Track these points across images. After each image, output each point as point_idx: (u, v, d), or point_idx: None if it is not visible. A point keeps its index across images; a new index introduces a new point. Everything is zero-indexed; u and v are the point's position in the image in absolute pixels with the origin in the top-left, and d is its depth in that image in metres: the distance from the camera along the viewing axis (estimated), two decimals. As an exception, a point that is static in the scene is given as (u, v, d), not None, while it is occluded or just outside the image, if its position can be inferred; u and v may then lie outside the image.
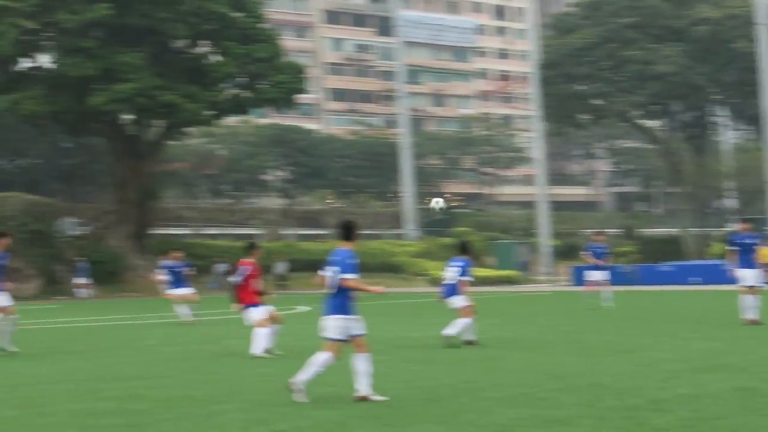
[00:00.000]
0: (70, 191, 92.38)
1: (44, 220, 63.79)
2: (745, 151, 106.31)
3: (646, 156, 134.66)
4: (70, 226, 69.24)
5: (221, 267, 67.96)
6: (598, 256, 37.15)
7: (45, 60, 68.98)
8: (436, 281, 73.99)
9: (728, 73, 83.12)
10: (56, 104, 64.20)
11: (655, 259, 78.11)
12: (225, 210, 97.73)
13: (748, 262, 27.56)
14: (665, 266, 71.65)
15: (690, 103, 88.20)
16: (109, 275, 63.31)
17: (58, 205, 69.66)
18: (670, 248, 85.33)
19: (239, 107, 71.28)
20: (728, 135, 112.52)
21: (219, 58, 68.01)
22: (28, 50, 66.35)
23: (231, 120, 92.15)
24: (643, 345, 23.08)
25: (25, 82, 66.21)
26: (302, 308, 44.64)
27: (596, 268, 37.51)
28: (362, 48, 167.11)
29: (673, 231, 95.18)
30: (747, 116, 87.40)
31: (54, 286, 62.48)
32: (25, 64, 68.46)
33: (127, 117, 69.52)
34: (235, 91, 70.16)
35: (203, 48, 69.53)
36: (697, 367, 18.34)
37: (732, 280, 28.32)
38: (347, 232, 15.95)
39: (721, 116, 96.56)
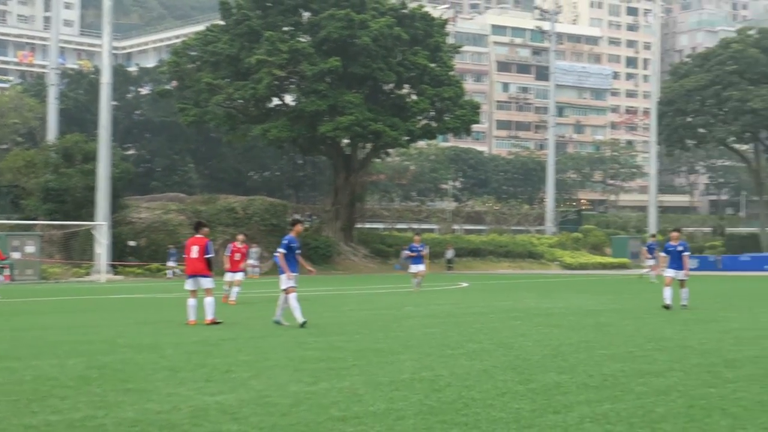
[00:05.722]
0: (300, 195, 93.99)
1: (279, 216, 64.74)
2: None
3: (737, 172, 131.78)
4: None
5: (406, 252, 68.13)
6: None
7: (289, 99, 69.99)
8: (567, 266, 73.99)
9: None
10: (294, 131, 65.12)
11: (737, 251, 76.47)
12: (412, 210, 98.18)
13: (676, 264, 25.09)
14: (745, 257, 70.41)
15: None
16: (323, 258, 64.07)
17: (290, 205, 70.62)
18: (749, 243, 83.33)
19: (429, 134, 71.26)
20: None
21: (416, 97, 68.20)
22: (277, 91, 67.45)
23: (421, 143, 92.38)
24: (723, 317, 22.53)
25: (273, 115, 67.35)
26: (464, 284, 44.52)
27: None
28: (523, 90, 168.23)
29: (753, 230, 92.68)
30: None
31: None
32: (274, 102, 69.56)
33: (345, 141, 70.12)
34: (426, 122, 70.22)
35: (405, 89, 69.82)
36: (764, 334, 17.85)
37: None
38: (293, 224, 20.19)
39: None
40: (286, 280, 19.54)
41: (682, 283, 25.12)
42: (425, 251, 39.64)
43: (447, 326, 19.85)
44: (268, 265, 58.77)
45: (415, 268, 36.30)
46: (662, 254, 25.28)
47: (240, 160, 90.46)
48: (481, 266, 70.50)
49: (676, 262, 25.01)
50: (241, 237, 29.55)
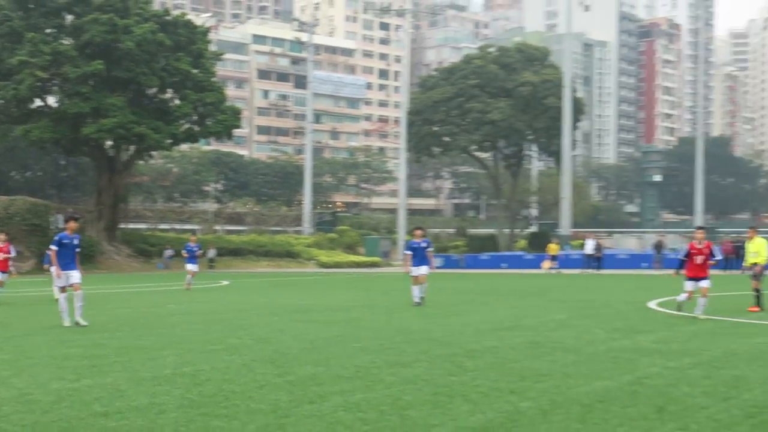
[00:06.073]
0: (63, 195, 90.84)
1: (41, 216, 62.39)
2: (547, 176, 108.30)
3: (477, 178, 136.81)
4: (60, 221, 67.75)
5: (169, 252, 67.00)
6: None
7: (52, 100, 67.37)
8: (323, 265, 74.71)
9: (540, 121, 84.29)
10: (57, 133, 63.00)
11: (477, 250, 79.04)
12: (175, 211, 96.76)
13: (422, 261, 24.87)
14: (485, 256, 72.68)
15: (511, 142, 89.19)
16: (87, 257, 62.05)
17: (53, 205, 67.90)
18: (488, 243, 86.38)
19: (191, 137, 70.25)
20: (536, 164, 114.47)
21: (179, 101, 67.21)
22: (40, 93, 64.82)
23: (184, 146, 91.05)
24: (465, 310, 23.25)
25: (35, 116, 64.77)
26: (225, 282, 44.24)
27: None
28: (283, 97, 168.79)
29: (492, 231, 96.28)
30: (550, 151, 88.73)
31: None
32: (36, 103, 66.79)
33: (109, 143, 68.15)
34: (189, 125, 69.15)
35: (168, 94, 68.57)
36: (500, 326, 18.53)
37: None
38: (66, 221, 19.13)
39: (532, 151, 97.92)
40: (57, 279, 18.92)
41: (423, 278, 25.12)
42: (212, 252, 39.18)
43: (208, 323, 19.70)
44: (30, 265, 56.49)
45: (190, 267, 35.76)
46: (407, 252, 25.67)
47: (1, 161, 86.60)
48: (242, 265, 70.19)
49: (421, 258, 24.99)
50: (2, 237, 28.26)
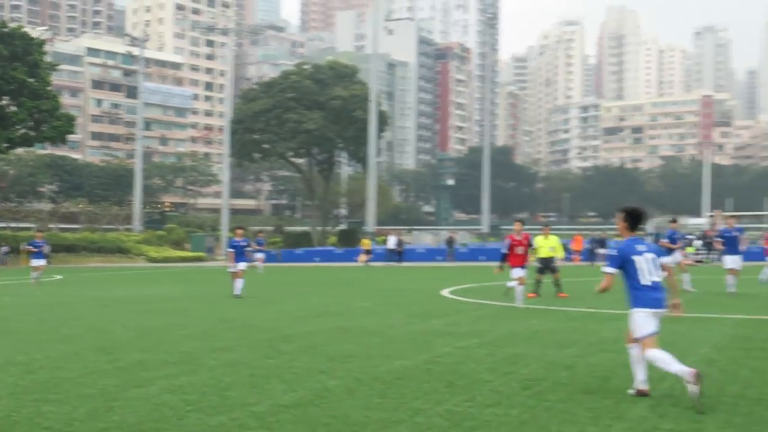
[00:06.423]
0: None
1: None
2: (355, 179, 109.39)
3: (294, 181, 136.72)
4: None
5: (4, 249, 64.04)
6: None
7: None
8: (152, 260, 73.01)
9: (349, 131, 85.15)
10: None
11: (293, 246, 79.09)
12: (10, 210, 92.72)
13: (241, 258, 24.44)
14: (299, 251, 72.79)
15: (324, 149, 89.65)
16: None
17: None
18: (303, 239, 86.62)
19: (27, 142, 67.38)
20: (345, 169, 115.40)
21: (15, 108, 64.29)
22: None
23: (20, 150, 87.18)
24: (281, 300, 23.23)
25: None
26: (58, 276, 42.65)
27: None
28: (115, 106, 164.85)
29: (306, 228, 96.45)
30: (358, 158, 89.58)
31: None
32: None
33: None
34: (25, 131, 66.25)
35: (5, 101, 65.46)
36: (313, 313, 18.59)
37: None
38: None
39: (342, 158, 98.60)
40: None
41: (241, 273, 24.44)
42: (46, 248, 37.57)
43: (42, 314, 18.94)
44: None
45: (36, 263, 34.27)
46: (230, 250, 25.33)
47: None
48: (75, 261, 67.79)
49: (242, 255, 24.70)
50: None
